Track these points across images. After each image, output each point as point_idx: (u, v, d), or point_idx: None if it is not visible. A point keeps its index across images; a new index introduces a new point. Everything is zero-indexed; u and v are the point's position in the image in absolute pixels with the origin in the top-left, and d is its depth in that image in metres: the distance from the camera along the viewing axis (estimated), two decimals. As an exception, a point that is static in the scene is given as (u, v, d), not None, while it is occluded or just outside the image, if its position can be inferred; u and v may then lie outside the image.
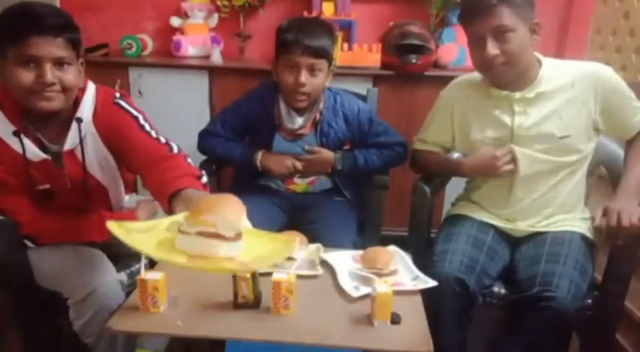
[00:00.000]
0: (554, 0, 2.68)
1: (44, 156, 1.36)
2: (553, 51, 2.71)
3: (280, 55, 1.74)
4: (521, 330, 1.42)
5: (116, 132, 1.42)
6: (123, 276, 1.47)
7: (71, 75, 1.29)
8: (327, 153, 1.84)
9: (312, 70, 1.70)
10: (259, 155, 1.84)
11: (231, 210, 1.02)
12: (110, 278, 1.40)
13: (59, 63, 1.26)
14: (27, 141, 1.34)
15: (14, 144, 1.33)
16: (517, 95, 1.55)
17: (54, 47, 1.23)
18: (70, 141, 1.38)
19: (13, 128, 1.32)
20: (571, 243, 1.52)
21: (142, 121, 1.43)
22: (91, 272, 1.37)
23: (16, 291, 1.47)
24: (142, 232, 1.09)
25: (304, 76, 1.70)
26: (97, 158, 1.45)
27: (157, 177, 1.29)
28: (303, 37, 1.67)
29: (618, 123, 1.56)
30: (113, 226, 1.04)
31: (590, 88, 1.52)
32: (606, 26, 2.29)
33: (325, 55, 1.71)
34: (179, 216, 1.08)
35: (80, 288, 1.35)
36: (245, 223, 1.06)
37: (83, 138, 1.39)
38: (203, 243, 1.02)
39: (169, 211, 1.19)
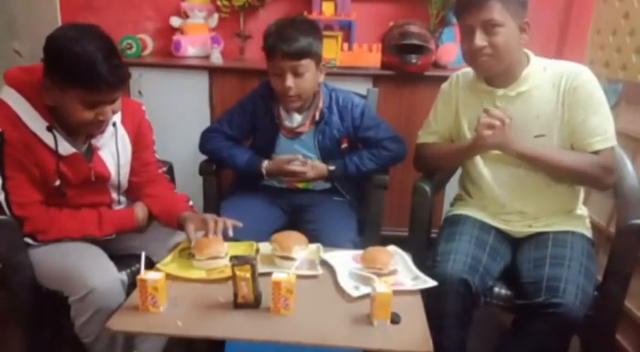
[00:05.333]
0: (554, 0, 2.68)
1: (74, 150, 1.45)
2: (553, 51, 2.71)
3: (267, 62, 1.76)
4: (527, 334, 1.42)
5: (139, 139, 1.62)
6: (124, 276, 1.47)
7: (117, 106, 1.42)
8: (320, 168, 1.85)
9: (296, 73, 1.70)
10: (264, 167, 1.84)
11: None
12: (111, 277, 1.40)
13: (114, 102, 1.40)
14: (59, 136, 1.41)
15: (47, 138, 1.40)
16: (500, 92, 1.57)
17: (116, 93, 1.38)
18: (104, 140, 1.51)
19: (45, 123, 1.39)
20: (573, 244, 1.52)
21: (154, 138, 1.69)
22: (92, 271, 1.37)
23: (17, 291, 1.47)
24: (169, 263, 1.43)
25: (289, 80, 1.70)
26: (123, 157, 1.58)
27: (160, 194, 1.65)
28: (280, 43, 1.67)
29: (571, 136, 1.54)
30: (164, 268, 1.38)
31: (566, 90, 1.52)
32: (606, 26, 2.29)
33: (307, 55, 1.70)
34: (183, 246, 1.52)
35: (80, 286, 1.34)
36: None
37: (117, 138, 1.55)
38: (211, 262, 1.41)
39: (177, 225, 1.56)
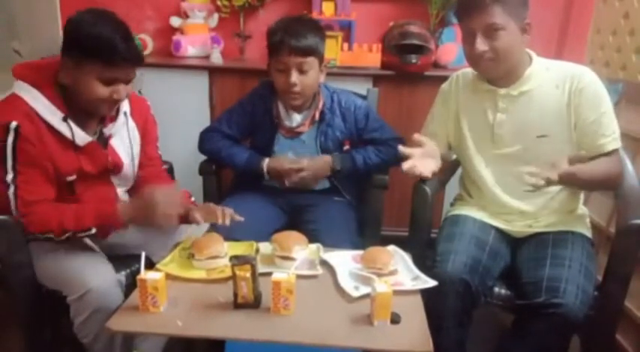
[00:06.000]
0: (554, 0, 2.68)
1: (90, 138, 1.47)
2: (553, 51, 2.71)
3: (271, 58, 1.76)
4: (527, 334, 1.42)
5: (145, 133, 1.65)
6: (122, 276, 1.47)
7: (130, 89, 1.46)
8: (322, 158, 1.84)
9: (301, 69, 1.71)
10: (265, 165, 1.83)
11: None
12: (108, 277, 1.40)
13: (129, 82, 1.44)
14: (74, 126, 1.43)
15: (64, 129, 1.42)
16: (502, 91, 1.57)
17: (132, 72, 1.43)
18: (115, 129, 1.54)
19: (61, 114, 1.40)
20: (573, 244, 1.52)
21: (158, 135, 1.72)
22: (90, 271, 1.38)
23: (17, 290, 1.47)
24: (169, 263, 1.42)
25: (294, 76, 1.71)
26: (135, 147, 1.61)
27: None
28: (288, 38, 1.68)
29: (581, 138, 1.54)
30: (164, 268, 1.37)
31: (572, 92, 1.51)
32: (606, 26, 2.29)
33: (313, 52, 1.72)
34: (182, 245, 1.52)
35: (78, 285, 1.35)
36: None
37: (128, 128, 1.58)
38: (211, 262, 1.41)
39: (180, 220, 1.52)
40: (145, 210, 1.41)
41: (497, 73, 1.53)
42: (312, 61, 1.72)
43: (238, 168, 1.90)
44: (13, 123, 1.33)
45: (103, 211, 1.43)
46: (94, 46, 1.33)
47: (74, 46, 1.35)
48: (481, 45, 1.47)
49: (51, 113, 1.39)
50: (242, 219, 1.54)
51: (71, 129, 1.42)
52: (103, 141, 1.53)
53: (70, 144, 1.43)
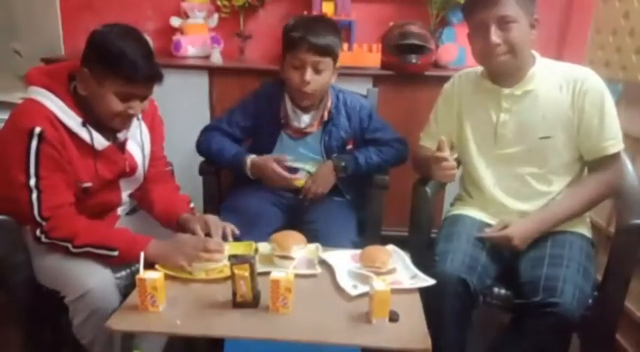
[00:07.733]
0: (554, 0, 2.68)
1: (108, 142, 1.49)
2: (553, 51, 2.71)
3: (287, 54, 1.74)
4: (524, 334, 1.42)
5: (152, 133, 1.65)
6: (120, 277, 1.47)
7: (145, 105, 1.48)
8: (324, 166, 1.83)
9: (317, 69, 1.71)
10: (248, 164, 1.80)
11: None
12: (106, 279, 1.40)
13: (145, 99, 1.46)
14: (93, 131, 1.44)
15: (84, 134, 1.43)
16: (505, 91, 1.57)
17: (149, 90, 1.45)
18: (130, 132, 1.55)
19: (80, 119, 1.41)
20: (572, 244, 1.52)
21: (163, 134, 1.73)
22: (87, 272, 1.37)
23: (16, 290, 1.47)
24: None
25: (309, 74, 1.70)
26: (147, 148, 1.63)
27: (163, 195, 1.66)
28: (309, 35, 1.67)
29: (584, 141, 1.54)
30: (163, 268, 1.36)
31: (575, 94, 1.51)
32: (606, 26, 2.29)
33: (330, 53, 1.71)
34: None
35: (76, 287, 1.35)
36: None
37: (141, 130, 1.60)
38: (210, 264, 1.40)
39: (176, 227, 1.56)
40: (172, 251, 1.40)
41: (510, 67, 1.52)
42: (328, 62, 1.72)
43: (225, 165, 1.88)
44: (37, 129, 1.33)
45: (135, 239, 1.42)
46: (116, 62, 1.34)
47: (96, 59, 1.36)
48: (496, 37, 1.45)
49: (70, 118, 1.40)
50: (237, 232, 1.54)
51: (90, 133, 1.43)
52: (119, 145, 1.54)
53: (88, 150, 1.44)
